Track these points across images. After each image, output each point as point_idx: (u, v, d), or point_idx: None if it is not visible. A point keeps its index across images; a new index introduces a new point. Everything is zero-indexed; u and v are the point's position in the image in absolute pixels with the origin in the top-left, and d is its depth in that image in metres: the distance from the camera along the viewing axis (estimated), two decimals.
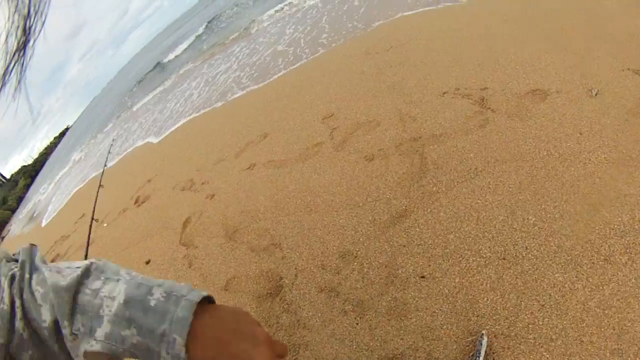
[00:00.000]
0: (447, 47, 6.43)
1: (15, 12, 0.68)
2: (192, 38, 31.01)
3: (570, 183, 3.39)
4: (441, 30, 7.09)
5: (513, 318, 2.71)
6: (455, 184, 3.93)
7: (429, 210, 3.80)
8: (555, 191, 3.39)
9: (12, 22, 0.68)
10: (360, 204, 4.27)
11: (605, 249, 2.84)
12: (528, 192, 3.49)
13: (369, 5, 10.92)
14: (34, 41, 0.72)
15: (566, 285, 2.73)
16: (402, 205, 3.99)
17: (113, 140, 9.71)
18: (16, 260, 0.95)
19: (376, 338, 3.02)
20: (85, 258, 2.98)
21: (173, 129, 12.09)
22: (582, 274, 2.75)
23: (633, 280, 2.61)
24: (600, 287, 2.64)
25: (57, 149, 57.94)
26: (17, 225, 26.21)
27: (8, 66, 0.71)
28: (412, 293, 3.17)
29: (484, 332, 2.67)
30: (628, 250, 2.78)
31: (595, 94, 4.17)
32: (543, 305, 2.69)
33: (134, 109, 23.69)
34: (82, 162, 23.85)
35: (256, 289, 4.03)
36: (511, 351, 2.54)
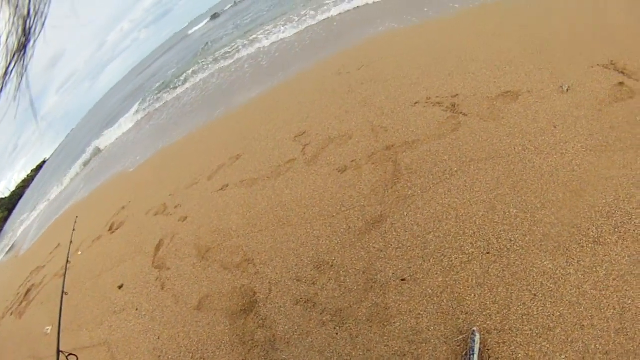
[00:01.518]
0: (417, 61, 6.42)
1: (15, 12, 0.68)
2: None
3: (550, 173, 3.30)
4: (411, 47, 7.13)
5: (505, 311, 2.54)
6: (431, 185, 3.79)
7: (405, 213, 3.64)
8: (534, 182, 3.28)
9: (12, 22, 0.68)
10: (334, 214, 4.10)
11: (593, 232, 2.73)
12: (507, 186, 3.37)
13: (339, 30, 11.08)
14: (34, 41, 0.72)
15: (557, 272, 2.60)
16: (377, 211, 3.83)
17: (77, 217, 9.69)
18: None
19: (358, 347, 2.81)
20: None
21: (148, 156, 11.91)
22: (573, 259, 2.63)
23: (627, 258, 2.49)
24: (594, 269, 2.52)
25: (34, 182, 56.95)
26: None
27: (8, 67, 0.71)
28: (394, 297, 2.98)
29: (475, 328, 2.48)
30: (617, 230, 2.67)
31: (567, 90, 4.13)
32: (535, 295, 2.54)
33: (110, 141, 23.41)
34: (60, 194, 23.31)
35: (229, 306, 3.82)
36: (507, 345, 2.38)
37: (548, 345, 2.27)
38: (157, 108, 19.61)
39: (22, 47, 0.70)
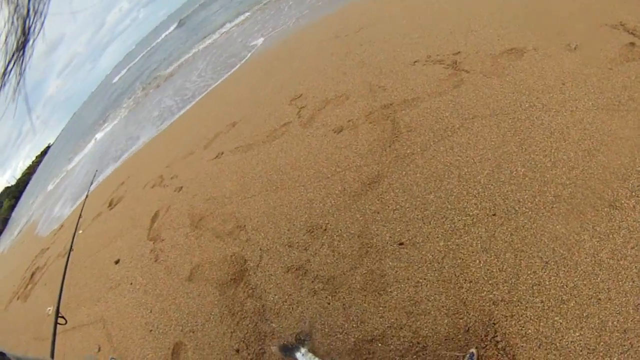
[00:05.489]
0: (418, 21, 6.16)
1: (14, 12, 0.67)
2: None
3: (559, 131, 3.06)
4: (413, 7, 6.85)
5: (513, 280, 2.32)
6: (432, 143, 3.57)
7: (403, 172, 3.42)
8: (543, 140, 3.05)
9: (12, 22, 0.67)
10: (329, 175, 3.90)
11: (608, 194, 2.49)
12: (513, 143, 3.14)
13: None
14: (34, 41, 0.71)
15: (571, 238, 2.37)
16: (374, 171, 3.61)
17: (96, 171, 9.78)
18: None
19: (352, 318, 2.62)
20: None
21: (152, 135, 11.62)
22: (587, 223, 2.39)
23: None
24: (610, 236, 2.28)
25: (39, 168, 57.02)
26: (5, 245, 25.38)
27: (7, 66, 0.70)
28: (390, 263, 2.78)
29: (473, 350, 2.14)
30: (634, 194, 2.44)
31: (575, 48, 3.88)
32: (547, 263, 2.31)
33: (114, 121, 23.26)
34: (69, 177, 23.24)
35: (220, 275, 3.66)
36: (516, 319, 2.16)
37: (561, 321, 2.06)
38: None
39: (21, 47, 0.69)
